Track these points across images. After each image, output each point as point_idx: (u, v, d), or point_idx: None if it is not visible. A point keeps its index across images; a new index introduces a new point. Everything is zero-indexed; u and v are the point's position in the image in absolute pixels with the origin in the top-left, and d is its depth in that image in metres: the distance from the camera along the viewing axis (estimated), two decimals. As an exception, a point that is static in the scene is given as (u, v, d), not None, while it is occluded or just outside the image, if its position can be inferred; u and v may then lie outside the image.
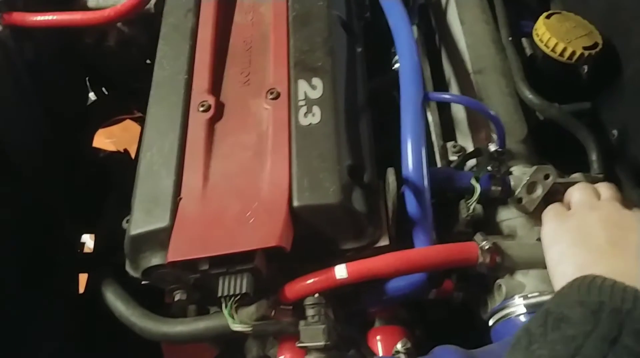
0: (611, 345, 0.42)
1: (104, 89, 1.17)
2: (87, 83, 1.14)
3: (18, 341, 0.81)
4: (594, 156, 0.74)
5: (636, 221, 0.58)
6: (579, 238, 0.57)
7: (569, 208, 0.64)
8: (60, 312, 0.91)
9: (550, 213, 0.63)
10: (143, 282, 0.66)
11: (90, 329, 0.92)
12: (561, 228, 0.60)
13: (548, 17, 0.82)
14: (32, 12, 0.87)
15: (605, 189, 0.64)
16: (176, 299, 0.65)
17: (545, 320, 0.46)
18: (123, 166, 1.08)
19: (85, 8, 0.95)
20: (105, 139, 1.60)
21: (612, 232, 0.56)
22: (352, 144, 0.67)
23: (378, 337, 0.66)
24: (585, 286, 0.47)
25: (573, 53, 0.78)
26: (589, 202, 0.62)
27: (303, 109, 0.68)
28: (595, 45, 0.79)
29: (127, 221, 0.65)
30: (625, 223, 0.58)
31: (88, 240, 1.13)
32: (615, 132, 0.80)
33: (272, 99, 0.70)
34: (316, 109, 0.68)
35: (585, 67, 0.85)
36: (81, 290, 0.98)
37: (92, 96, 1.18)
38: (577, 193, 0.64)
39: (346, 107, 0.70)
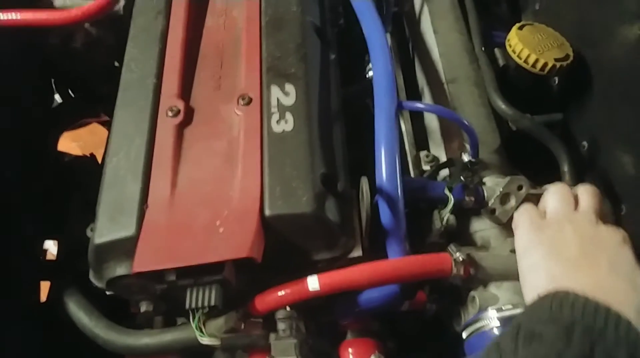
0: None
1: (70, 91, 1.13)
2: (53, 85, 1.11)
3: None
4: (565, 168, 0.74)
5: (610, 237, 0.57)
6: (552, 250, 0.57)
7: (544, 213, 0.63)
8: (21, 321, 0.88)
9: (524, 220, 0.62)
10: (107, 293, 0.63)
11: (52, 339, 0.89)
12: (535, 238, 0.59)
13: (520, 28, 0.82)
14: (-5, 10, 0.84)
15: (585, 196, 0.62)
16: (142, 310, 0.63)
17: (516, 336, 0.45)
18: (89, 171, 1.05)
19: (51, 7, 0.93)
20: (71, 143, 1.56)
21: (585, 247, 0.56)
22: (325, 152, 0.66)
23: (350, 350, 0.65)
24: (558, 302, 0.47)
25: (545, 64, 0.78)
26: (564, 213, 0.61)
27: (275, 116, 0.66)
28: (566, 57, 0.79)
29: (92, 229, 0.62)
30: (599, 238, 0.57)
31: (51, 246, 1.10)
32: (585, 143, 0.80)
33: (244, 104, 0.68)
34: (289, 116, 0.66)
35: (556, 79, 0.86)
36: (43, 298, 0.95)
37: (57, 98, 1.14)
38: (554, 201, 0.62)
39: (319, 115, 0.68)
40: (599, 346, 0.42)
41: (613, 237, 0.57)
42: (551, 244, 0.57)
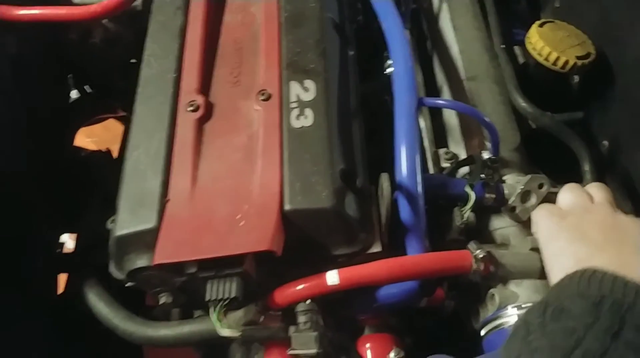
0: (613, 338, 0.41)
1: (86, 87, 1.14)
2: (70, 80, 1.12)
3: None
4: (586, 167, 0.74)
5: (631, 223, 0.58)
6: (577, 235, 0.57)
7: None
8: (38, 313, 0.88)
9: (543, 212, 0.63)
10: (127, 284, 0.63)
11: (69, 330, 0.90)
12: (558, 226, 0.60)
13: (541, 25, 0.81)
14: (16, 6, 0.84)
15: (597, 191, 0.64)
16: (161, 302, 0.63)
17: (544, 311, 0.46)
18: (105, 166, 1.05)
19: (70, 3, 0.93)
20: (86, 138, 1.57)
21: (608, 232, 0.57)
22: (345, 148, 0.65)
23: (368, 345, 0.65)
24: (586, 278, 0.47)
25: (566, 62, 0.77)
26: (582, 204, 0.62)
27: (295, 111, 0.66)
28: (588, 55, 0.79)
29: (112, 222, 0.63)
30: (620, 225, 0.58)
31: (67, 240, 1.10)
32: (605, 143, 0.80)
33: (263, 100, 0.68)
34: (309, 112, 0.66)
35: (577, 77, 0.85)
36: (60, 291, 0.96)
37: (74, 93, 1.15)
38: (569, 196, 0.63)
39: (339, 111, 0.68)
40: (629, 321, 0.42)
41: (634, 223, 0.58)
42: (574, 230, 0.58)
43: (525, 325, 0.46)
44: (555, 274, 0.56)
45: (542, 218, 0.63)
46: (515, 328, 0.47)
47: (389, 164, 0.64)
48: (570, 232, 0.58)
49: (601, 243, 0.55)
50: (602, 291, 0.45)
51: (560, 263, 0.56)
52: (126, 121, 1.18)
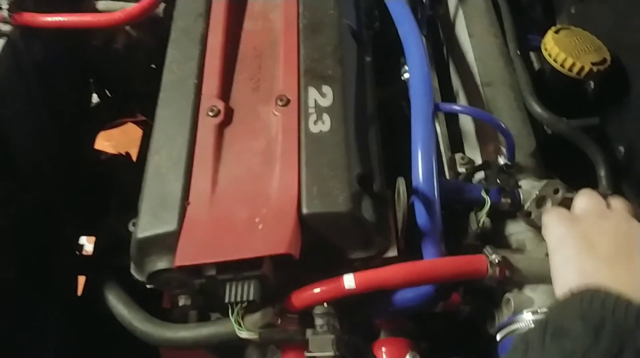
0: None
1: (107, 91, 1.16)
2: (91, 85, 1.14)
3: (15, 344, 0.80)
4: (602, 172, 0.74)
5: None
6: (585, 244, 0.55)
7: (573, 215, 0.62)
8: (58, 314, 0.90)
9: (554, 217, 0.61)
10: (148, 286, 0.65)
11: (88, 332, 0.91)
12: (568, 233, 0.57)
13: (557, 31, 0.82)
14: (42, 13, 0.86)
15: (614, 199, 0.62)
16: (180, 304, 0.65)
17: (544, 330, 0.45)
18: (125, 169, 1.07)
19: (94, 10, 0.95)
20: (104, 142, 1.59)
21: (619, 242, 0.55)
22: (361, 153, 0.66)
23: (383, 349, 0.66)
24: (588, 298, 0.46)
25: (582, 68, 0.78)
26: (597, 210, 0.60)
27: (313, 117, 0.68)
28: (603, 61, 0.79)
29: (134, 224, 0.64)
30: (633, 234, 0.56)
31: (86, 242, 1.12)
32: (621, 148, 0.80)
33: (282, 105, 0.69)
34: (326, 117, 0.67)
35: (592, 83, 0.85)
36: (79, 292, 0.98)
37: (94, 98, 1.17)
38: (584, 200, 0.62)
39: (356, 116, 0.69)
40: (629, 346, 0.41)
41: None
42: (584, 238, 0.56)
43: (525, 342, 0.45)
44: (559, 286, 0.54)
45: (551, 222, 0.61)
46: (514, 344, 0.47)
47: (406, 169, 0.65)
48: (579, 240, 0.56)
49: (609, 254, 0.54)
50: (604, 313, 0.44)
51: (565, 275, 0.55)
52: (144, 125, 1.21)
